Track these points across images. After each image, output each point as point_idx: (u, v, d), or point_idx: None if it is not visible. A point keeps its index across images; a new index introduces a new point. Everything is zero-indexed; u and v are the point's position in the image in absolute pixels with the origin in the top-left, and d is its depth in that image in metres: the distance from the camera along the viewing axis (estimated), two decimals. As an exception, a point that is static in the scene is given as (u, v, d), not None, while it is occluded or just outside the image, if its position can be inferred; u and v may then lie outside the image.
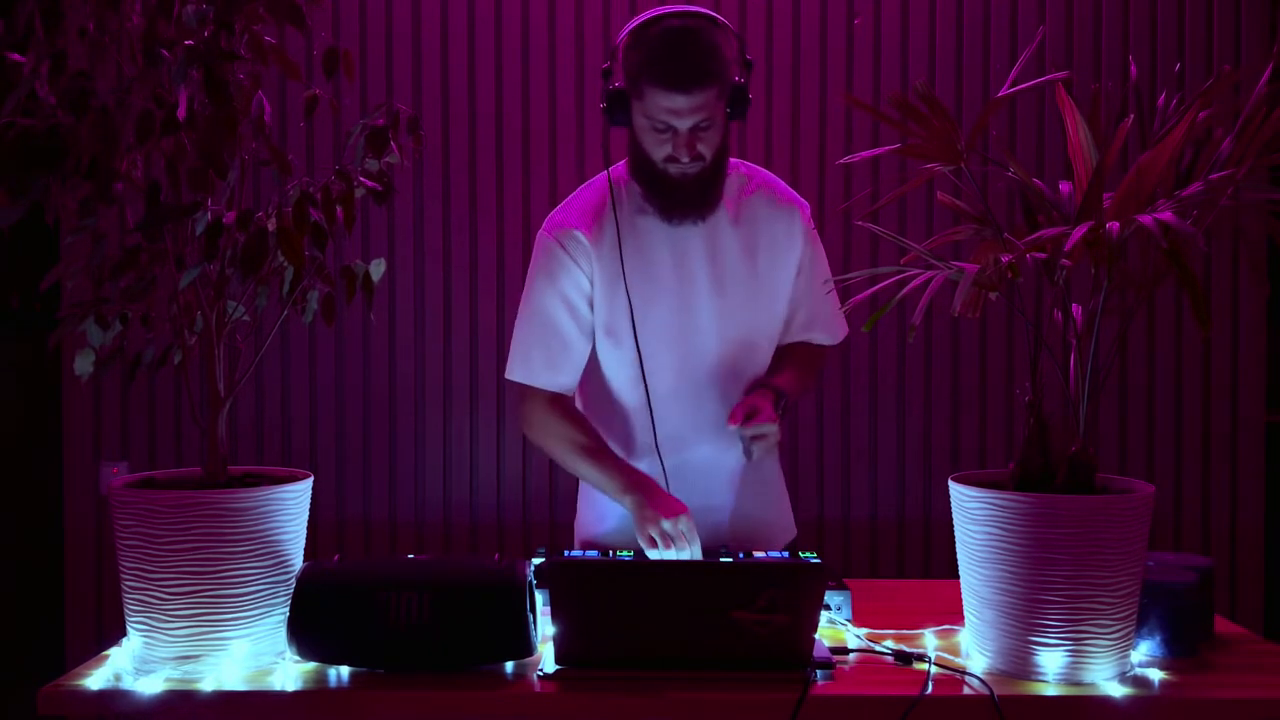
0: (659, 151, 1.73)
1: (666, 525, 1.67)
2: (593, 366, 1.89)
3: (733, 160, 1.87)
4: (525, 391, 1.87)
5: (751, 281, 1.85)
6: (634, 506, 1.73)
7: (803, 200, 1.91)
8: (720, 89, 1.69)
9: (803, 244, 1.88)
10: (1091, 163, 1.38)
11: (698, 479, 1.86)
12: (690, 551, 1.67)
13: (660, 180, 1.76)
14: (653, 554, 1.68)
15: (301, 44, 2.75)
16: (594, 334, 1.85)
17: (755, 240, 1.85)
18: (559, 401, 1.86)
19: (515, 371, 1.86)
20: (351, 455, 2.89)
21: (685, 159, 1.71)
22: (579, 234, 1.82)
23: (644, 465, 1.84)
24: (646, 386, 1.82)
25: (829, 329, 1.95)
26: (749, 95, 1.73)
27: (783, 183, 1.92)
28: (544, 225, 1.86)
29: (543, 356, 1.84)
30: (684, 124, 1.69)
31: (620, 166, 1.85)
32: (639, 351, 1.81)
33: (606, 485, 1.80)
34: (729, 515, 1.90)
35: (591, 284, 1.83)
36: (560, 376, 1.85)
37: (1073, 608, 1.32)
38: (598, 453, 1.81)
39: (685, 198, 1.77)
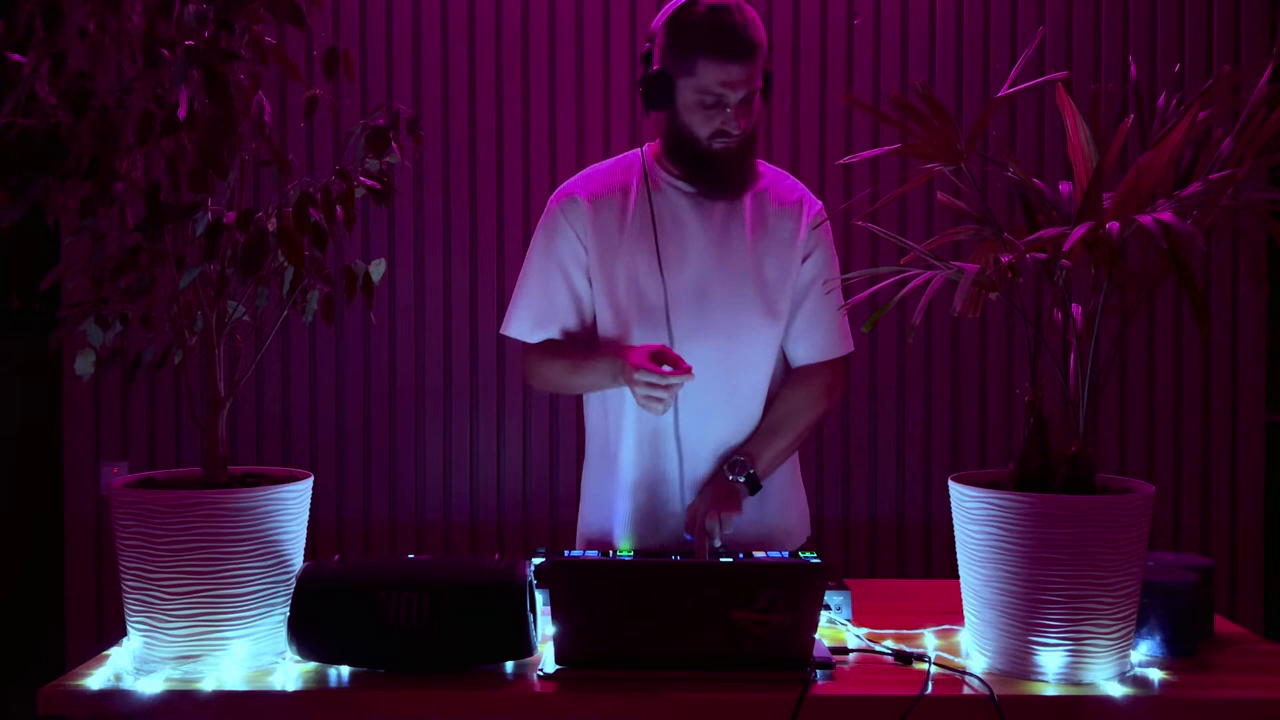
0: (706, 128, 1.76)
1: (638, 378, 1.69)
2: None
3: None
4: (523, 350, 1.93)
5: (756, 274, 1.84)
6: (627, 384, 1.75)
7: (814, 200, 1.90)
8: (762, 60, 1.75)
9: (805, 244, 1.87)
10: (1091, 163, 1.38)
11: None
12: (673, 389, 1.68)
13: (703, 158, 1.79)
14: (657, 409, 1.70)
15: (301, 44, 2.75)
16: (594, 298, 1.88)
17: (762, 235, 1.85)
18: (546, 344, 1.90)
19: (507, 326, 1.92)
20: (351, 455, 2.89)
21: (736, 131, 1.75)
22: (580, 200, 1.87)
23: (650, 446, 1.86)
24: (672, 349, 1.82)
25: (830, 339, 1.90)
26: (772, 75, 1.80)
27: (795, 181, 1.92)
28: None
29: (532, 315, 1.89)
30: (736, 95, 1.73)
31: (644, 150, 1.90)
32: (669, 322, 1.81)
33: (601, 381, 1.84)
34: (741, 522, 1.84)
35: (586, 251, 1.86)
36: (550, 333, 1.89)
37: (1073, 608, 1.32)
38: (582, 360, 1.85)
39: (729, 173, 1.81)
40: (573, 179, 1.91)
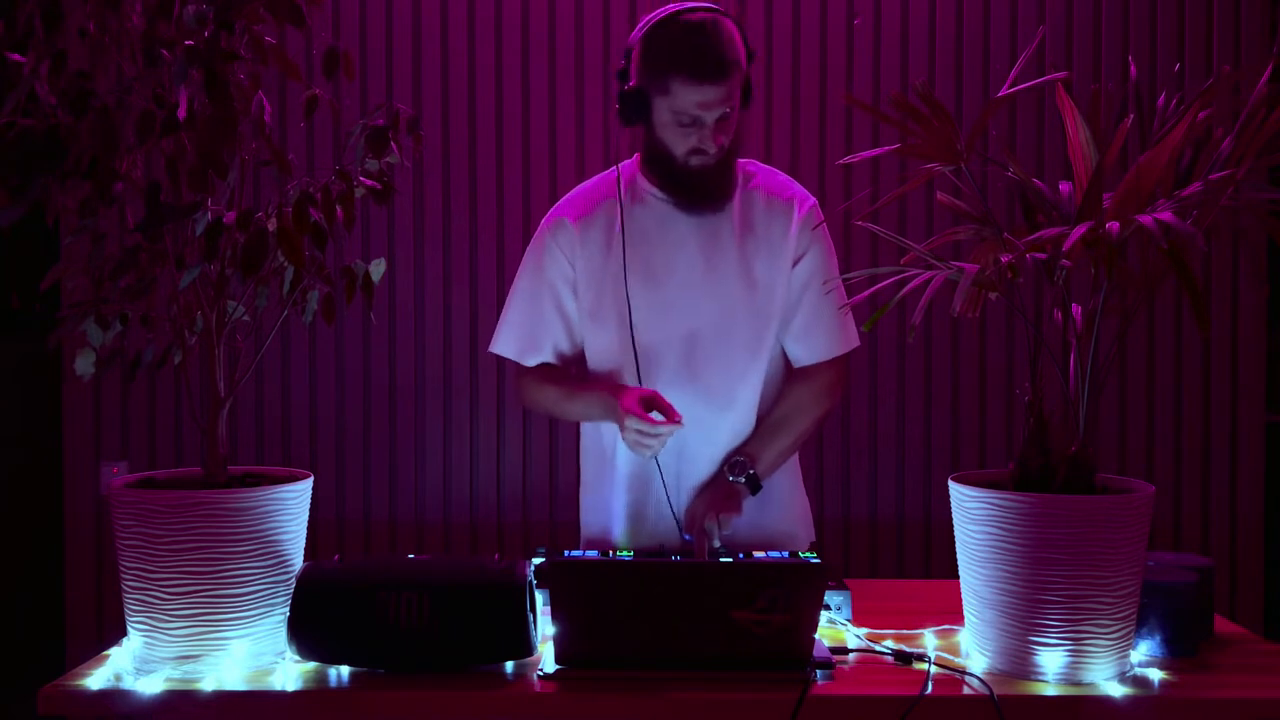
0: (682, 146, 1.75)
1: (629, 424, 1.69)
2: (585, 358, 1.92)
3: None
4: (515, 370, 1.95)
5: (745, 277, 1.83)
6: (617, 424, 1.75)
7: (807, 195, 1.88)
8: (740, 78, 1.74)
9: (797, 244, 1.85)
10: (1091, 163, 1.38)
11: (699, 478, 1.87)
12: (661, 437, 1.69)
13: (681, 175, 1.79)
14: (645, 453, 1.72)
15: (301, 44, 2.75)
16: (580, 319, 1.89)
17: (751, 236, 1.84)
18: (541, 370, 1.92)
19: (495, 344, 1.94)
20: (351, 455, 2.89)
21: (713, 149, 1.74)
22: (567, 222, 1.88)
23: (635, 464, 1.86)
24: (639, 371, 1.82)
25: (830, 338, 1.88)
26: (752, 84, 1.79)
27: (787, 178, 1.90)
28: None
29: (519, 334, 1.91)
30: (711, 115, 1.72)
31: (628, 162, 1.89)
32: (633, 337, 1.81)
33: (592, 413, 1.87)
34: (743, 526, 1.84)
35: (574, 269, 1.86)
36: (541, 355, 1.91)
37: (1073, 608, 1.32)
38: (576, 390, 1.88)
39: (707, 188, 1.80)
40: (560, 202, 1.93)
